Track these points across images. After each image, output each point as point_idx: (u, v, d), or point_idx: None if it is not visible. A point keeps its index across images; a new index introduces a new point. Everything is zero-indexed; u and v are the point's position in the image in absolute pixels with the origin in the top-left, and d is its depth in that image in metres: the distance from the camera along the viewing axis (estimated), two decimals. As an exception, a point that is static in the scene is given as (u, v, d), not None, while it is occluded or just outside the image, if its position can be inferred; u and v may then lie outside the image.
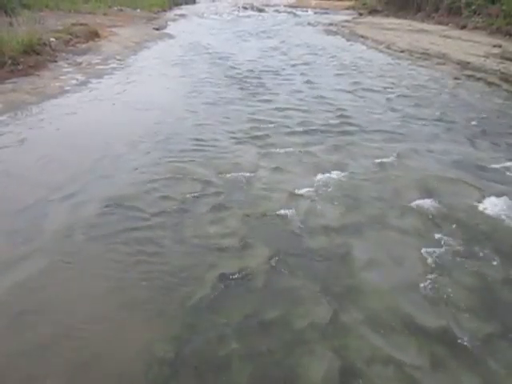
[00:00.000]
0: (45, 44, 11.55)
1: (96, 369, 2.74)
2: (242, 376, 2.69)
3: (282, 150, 6.11)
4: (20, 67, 9.79)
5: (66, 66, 11.08)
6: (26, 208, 4.48)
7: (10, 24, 11.81)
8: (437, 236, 4.17)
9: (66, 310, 3.21)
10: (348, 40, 19.09)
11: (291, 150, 6.15)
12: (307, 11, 35.46)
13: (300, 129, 7.11)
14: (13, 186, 5.02)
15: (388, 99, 9.39)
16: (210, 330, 3.01)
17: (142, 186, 4.99)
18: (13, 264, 3.64)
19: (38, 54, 10.86)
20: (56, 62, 11.20)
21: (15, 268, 3.59)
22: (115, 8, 24.89)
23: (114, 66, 11.85)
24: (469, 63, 13.73)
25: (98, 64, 11.72)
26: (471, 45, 16.63)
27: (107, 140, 6.42)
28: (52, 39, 12.26)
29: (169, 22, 24.16)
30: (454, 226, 4.37)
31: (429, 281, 3.54)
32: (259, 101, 8.85)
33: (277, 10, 35.99)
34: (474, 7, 21.10)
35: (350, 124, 7.50)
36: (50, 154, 5.83)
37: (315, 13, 34.28)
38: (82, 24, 15.50)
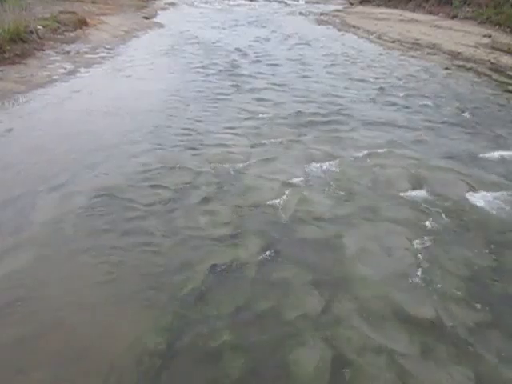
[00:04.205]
0: (32, 32, 11.31)
1: (85, 361, 2.71)
2: (234, 367, 2.69)
3: (273, 140, 6.08)
4: (6, 55, 9.58)
5: (53, 54, 10.89)
6: (14, 199, 4.41)
7: (-4, 11, 11.54)
8: (427, 226, 4.20)
9: (55, 301, 3.17)
10: (339, 30, 19.02)
11: (282, 140, 6.12)
12: (298, 0, 35.26)
13: (291, 120, 7.07)
14: (0, 176, 4.92)
15: (379, 89, 9.39)
16: (201, 321, 3.00)
17: (132, 177, 4.93)
18: (0, 255, 3.59)
19: (24, 42, 10.64)
20: (43, 50, 10.99)
21: (2, 259, 3.54)
22: (104, -4, 24.45)
23: (103, 55, 11.66)
24: (459, 53, 13.77)
25: (86, 53, 11.54)
26: (462, 35, 16.67)
27: (96, 130, 6.33)
28: (39, 27, 12.01)
29: (158, 11, 23.84)
30: (444, 216, 4.40)
31: (419, 270, 3.57)
32: (249, 92, 8.78)
33: (268, -1, 35.71)
34: (464, -3, 21.14)
35: (341, 114, 7.49)
36: (38, 144, 5.73)
37: (306, 2, 34.10)
38: (69, 12, 15.21)
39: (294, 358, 2.75)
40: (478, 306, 3.27)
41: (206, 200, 4.52)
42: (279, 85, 9.43)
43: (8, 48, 9.81)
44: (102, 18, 17.01)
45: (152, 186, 4.75)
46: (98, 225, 4.03)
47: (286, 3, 33.20)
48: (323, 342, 2.87)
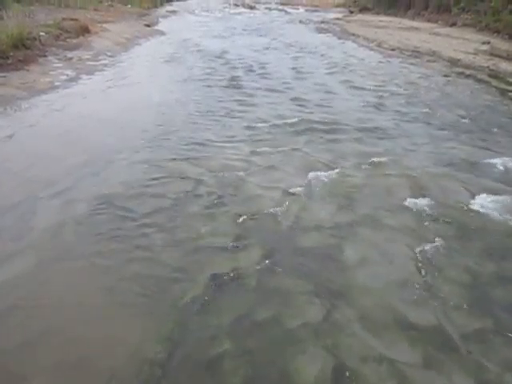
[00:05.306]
0: (34, 38, 11.40)
1: (85, 369, 2.70)
2: (235, 376, 2.67)
3: (274, 149, 6.08)
4: (9, 61, 9.66)
5: (56, 61, 10.95)
6: (15, 205, 4.41)
7: (0, 18, 11.63)
8: (428, 234, 4.19)
9: (55, 309, 3.16)
10: (339, 38, 19.11)
11: (283, 148, 6.12)
12: (298, 9, 35.55)
13: (292, 129, 7.06)
14: (1, 182, 4.93)
15: (379, 97, 9.41)
16: (202, 330, 2.98)
17: (133, 185, 4.93)
18: (0, 261, 3.58)
19: (27, 48, 10.72)
20: (46, 56, 11.06)
21: (3, 265, 3.54)
22: (106, 3, 24.66)
23: (105, 62, 11.73)
24: (458, 60, 13.84)
25: (88, 60, 11.60)
26: (461, 42, 16.76)
27: (98, 137, 6.35)
28: (42, 34, 12.11)
29: (160, 19, 24.02)
30: (445, 223, 4.39)
31: (421, 278, 3.55)
32: (248, 96, 8.80)
33: (268, 8, 35.99)
34: (462, 4, 21.28)
35: (342, 123, 7.49)
36: (39, 151, 5.75)
37: (306, 10, 34.37)
38: (72, 19, 15.32)
39: (295, 366, 2.74)
40: (481, 313, 3.25)
41: (206, 209, 4.51)
42: (278, 94, 9.47)
43: (11, 54, 9.89)
44: (104, 25, 17.14)
45: (153, 194, 4.74)
46: (98, 232, 4.02)
47: (286, 11, 33.43)
48: (324, 350, 2.85)
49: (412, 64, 13.46)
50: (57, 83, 9.12)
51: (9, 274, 3.45)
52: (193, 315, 3.11)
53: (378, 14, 28.91)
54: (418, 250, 3.92)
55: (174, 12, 29.06)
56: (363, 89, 10.17)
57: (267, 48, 15.64)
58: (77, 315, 3.12)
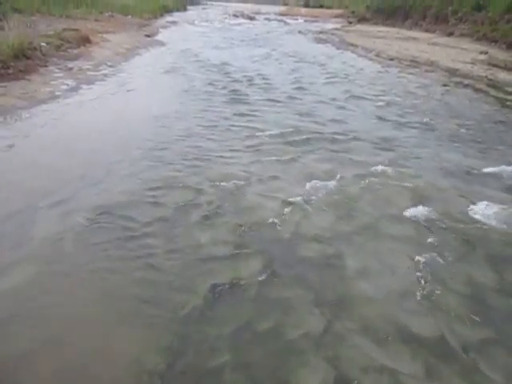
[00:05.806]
0: (35, 48, 11.46)
1: (85, 378, 2.67)
2: (235, 388, 2.65)
3: (273, 159, 6.09)
4: (10, 71, 9.69)
5: (56, 71, 10.99)
6: (14, 214, 4.39)
7: (1, 28, 11.71)
8: (429, 244, 4.18)
9: (54, 319, 3.14)
10: (338, 48, 19.26)
11: (282, 158, 6.13)
12: (297, 19, 35.92)
13: (291, 138, 7.07)
14: (1, 191, 4.93)
15: (378, 107, 9.47)
16: (201, 341, 2.96)
17: (133, 194, 4.93)
18: (0, 270, 3.56)
19: (28, 58, 10.76)
20: (47, 66, 11.10)
21: (2, 275, 3.52)
22: (106, 14, 24.87)
23: (106, 72, 11.78)
24: (457, 70, 13.95)
25: (89, 70, 11.65)
26: (458, 52, 16.91)
27: (98, 147, 6.35)
28: (43, 44, 12.17)
29: (160, 29, 24.18)
30: (446, 233, 4.39)
31: (422, 289, 3.54)
32: (249, 111, 8.81)
33: (267, 18, 36.31)
34: (460, 14, 21.52)
35: (341, 133, 7.52)
36: (39, 160, 5.75)
37: (305, 21, 34.71)
38: (73, 29, 15.43)
39: (296, 377, 2.71)
40: (482, 323, 3.23)
41: (206, 218, 4.50)
42: (279, 103, 9.51)
43: (12, 64, 9.92)
44: (104, 35, 17.24)
45: (152, 204, 4.74)
46: (98, 242, 4.01)
47: (285, 22, 33.73)
48: (325, 361, 2.83)
49: (411, 74, 13.56)
50: (57, 93, 9.15)
51: (9, 283, 3.43)
52: (193, 325, 3.09)
53: (376, 24, 29.19)
54: (419, 260, 3.91)
55: (174, 23, 29.28)
56: (363, 98, 10.23)
57: (267, 58, 15.75)
58: (77, 324, 3.09)
